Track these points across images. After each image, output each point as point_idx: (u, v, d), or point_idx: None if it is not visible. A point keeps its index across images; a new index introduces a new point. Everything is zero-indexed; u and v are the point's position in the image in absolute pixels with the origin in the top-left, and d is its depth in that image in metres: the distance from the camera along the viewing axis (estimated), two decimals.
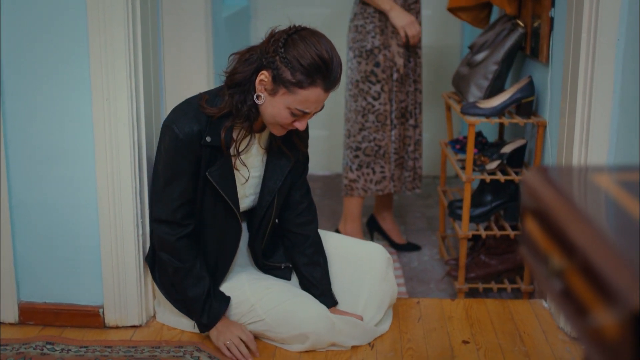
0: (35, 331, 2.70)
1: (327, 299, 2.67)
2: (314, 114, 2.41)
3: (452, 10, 3.62)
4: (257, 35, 4.95)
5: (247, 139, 2.47)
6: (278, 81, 2.31)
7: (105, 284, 2.71)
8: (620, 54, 2.51)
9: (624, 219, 1.01)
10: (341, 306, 2.71)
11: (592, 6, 2.51)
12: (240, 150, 2.46)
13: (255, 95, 2.36)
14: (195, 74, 3.40)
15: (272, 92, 2.34)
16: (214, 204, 2.50)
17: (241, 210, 2.58)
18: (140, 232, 2.68)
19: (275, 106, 2.35)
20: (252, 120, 2.41)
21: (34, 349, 2.55)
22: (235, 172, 2.49)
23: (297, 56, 2.28)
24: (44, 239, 2.71)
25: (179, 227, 2.49)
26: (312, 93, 2.32)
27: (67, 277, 2.73)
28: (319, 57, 2.29)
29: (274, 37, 2.35)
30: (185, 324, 2.70)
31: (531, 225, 1.13)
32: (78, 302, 2.74)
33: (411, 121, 3.67)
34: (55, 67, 2.56)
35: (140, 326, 2.74)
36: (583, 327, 0.96)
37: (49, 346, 2.57)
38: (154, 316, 2.80)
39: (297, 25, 2.38)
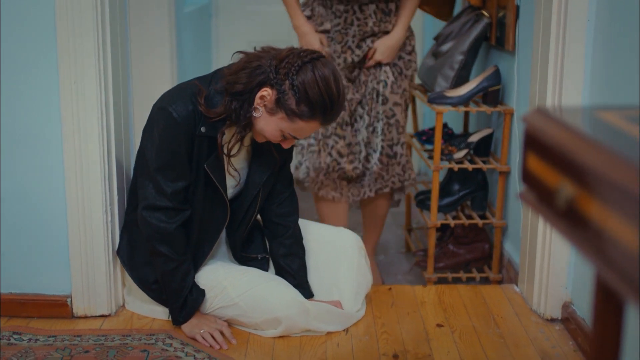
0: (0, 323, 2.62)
1: (303, 290, 2.64)
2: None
3: None
4: (218, 32, 4.99)
5: (239, 144, 2.43)
6: (280, 105, 2.27)
7: (73, 272, 2.63)
8: (590, 36, 2.53)
9: (630, 141, 1.01)
10: (320, 296, 2.68)
11: None
12: (231, 154, 2.42)
13: (253, 107, 2.32)
14: (159, 62, 3.38)
15: (271, 112, 2.30)
16: (204, 193, 2.46)
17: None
18: (109, 219, 2.62)
19: (269, 124, 2.32)
20: (247, 131, 2.38)
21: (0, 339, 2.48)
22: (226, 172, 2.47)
23: (307, 88, 2.24)
24: (9, 227, 2.63)
25: (176, 212, 2.41)
26: (309, 125, 2.31)
27: (33, 266, 2.66)
28: (327, 94, 2.25)
29: (288, 59, 2.28)
30: (157, 312, 2.64)
31: (534, 164, 1.13)
32: (45, 291, 2.67)
33: (359, 123, 3.19)
34: (22, 50, 2.50)
35: (109, 315, 2.67)
36: (601, 252, 0.95)
37: (15, 336, 2.50)
38: (124, 305, 2.74)
39: (314, 51, 2.32)
